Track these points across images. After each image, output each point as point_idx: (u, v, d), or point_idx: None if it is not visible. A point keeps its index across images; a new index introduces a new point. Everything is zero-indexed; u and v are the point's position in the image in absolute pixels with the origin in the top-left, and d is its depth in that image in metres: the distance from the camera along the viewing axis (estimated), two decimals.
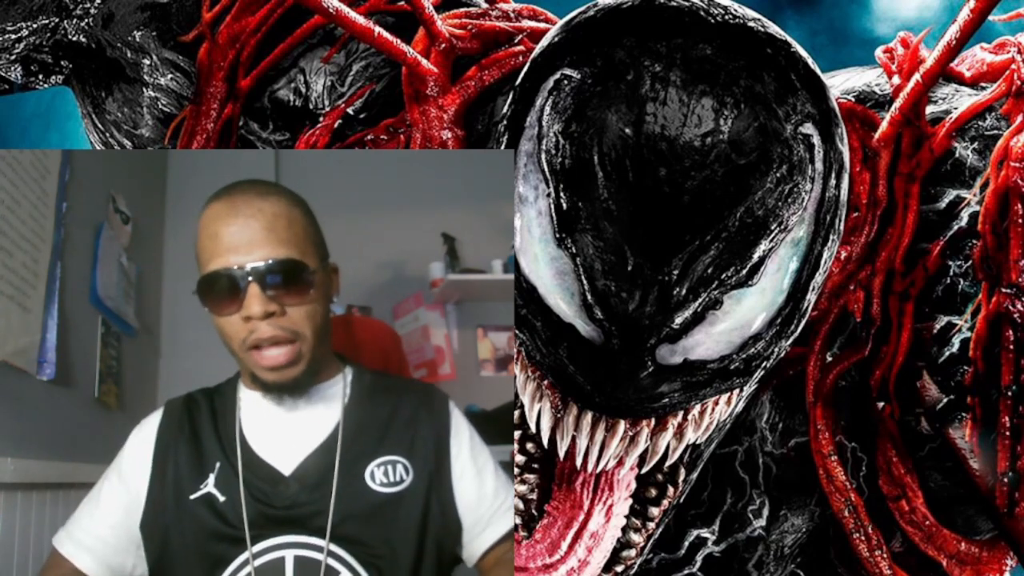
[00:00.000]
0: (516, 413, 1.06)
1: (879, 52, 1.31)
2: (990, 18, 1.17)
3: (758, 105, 0.91)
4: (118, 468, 1.26)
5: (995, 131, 1.23)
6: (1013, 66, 1.23)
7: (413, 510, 1.20)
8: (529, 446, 1.08)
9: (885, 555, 1.22)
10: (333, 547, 1.17)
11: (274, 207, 1.19)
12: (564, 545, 1.08)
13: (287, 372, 1.17)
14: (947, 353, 1.19)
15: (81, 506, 1.27)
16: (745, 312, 0.95)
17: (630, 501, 1.10)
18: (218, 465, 1.21)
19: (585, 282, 0.93)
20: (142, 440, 1.26)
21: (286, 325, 1.16)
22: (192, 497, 1.20)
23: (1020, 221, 1.15)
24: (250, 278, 1.14)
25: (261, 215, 1.17)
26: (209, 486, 1.20)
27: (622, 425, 0.99)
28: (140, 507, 1.23)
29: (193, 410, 1.27)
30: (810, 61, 0.97)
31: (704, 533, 1.27)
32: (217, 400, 1.27)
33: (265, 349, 1.16)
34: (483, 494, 1.23)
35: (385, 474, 1.20)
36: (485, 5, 1.48)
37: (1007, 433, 1.14)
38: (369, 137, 1.42)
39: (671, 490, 1.10)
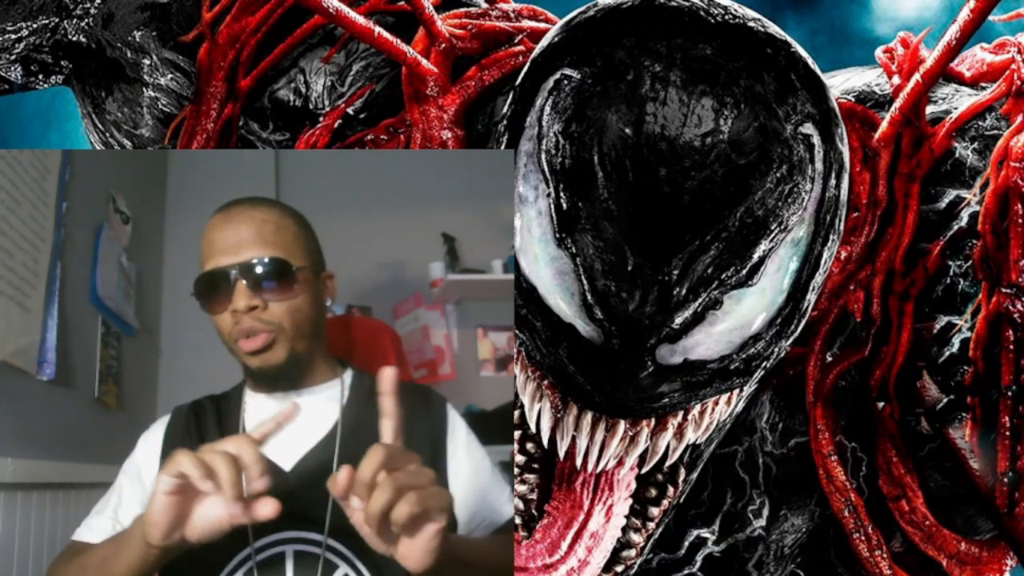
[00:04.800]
0: (516, 413, 1.06)
1: (879, 52, 1.32)
2: (990, 18, 1.17)
3: (758, 105, 0.91)
4: (133, 468, 1.30)
5: (995, 131, 1.23)
6: (1013, 66, 1.23)
7: None
8: (529, 446, 1.08)
9: (885, 555, 1.22)
10: (331, 541, 1.18)
11: (264, 215, 1.27)
12: (564, 545, 1.08)
13: (266, 357, 1.23)
14: (947, 353, 1.19)
15: (98, 504, 1.31)
16: (745, 312, 0.95)
17: (630, 501, 1.10)
18: None
19: (585, 282, 0.93)
20: (152, 443, 1.31)
21: (265, 318, 1.23)
22: None
23: (1020, 221, 1.15)
24: (237, 275, 1.22)
25: (251, 220, 1.25)
26: None
27: (622, 425, 0.99)
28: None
29: (200, 414, 1.32)
30: (810, 61, 0.97)
31: (704, 533, 1.27)
32: (223, 404, 1.32)
33: (246, 338, 1.23)
34: (479, 491, 1.25)
35: None
36: (485, 5, 1.48)
37: (1007, 433, 1.14)
38: (369, 137, 1.42)
39: (671, 490, 1.10)
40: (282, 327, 1.23)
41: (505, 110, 1.02)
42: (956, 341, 1.19)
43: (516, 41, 1.41)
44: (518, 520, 1.10)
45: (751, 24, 0.94)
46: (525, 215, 0.96)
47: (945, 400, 1.19)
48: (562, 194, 0.93)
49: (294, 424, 1.25)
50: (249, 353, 1.23)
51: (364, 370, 1.38)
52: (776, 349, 1.00)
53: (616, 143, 0.91)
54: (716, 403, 1.02)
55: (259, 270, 1.22)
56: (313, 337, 1.28)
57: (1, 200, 1.79)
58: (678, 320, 0.93)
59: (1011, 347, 1.14)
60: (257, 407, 1.30)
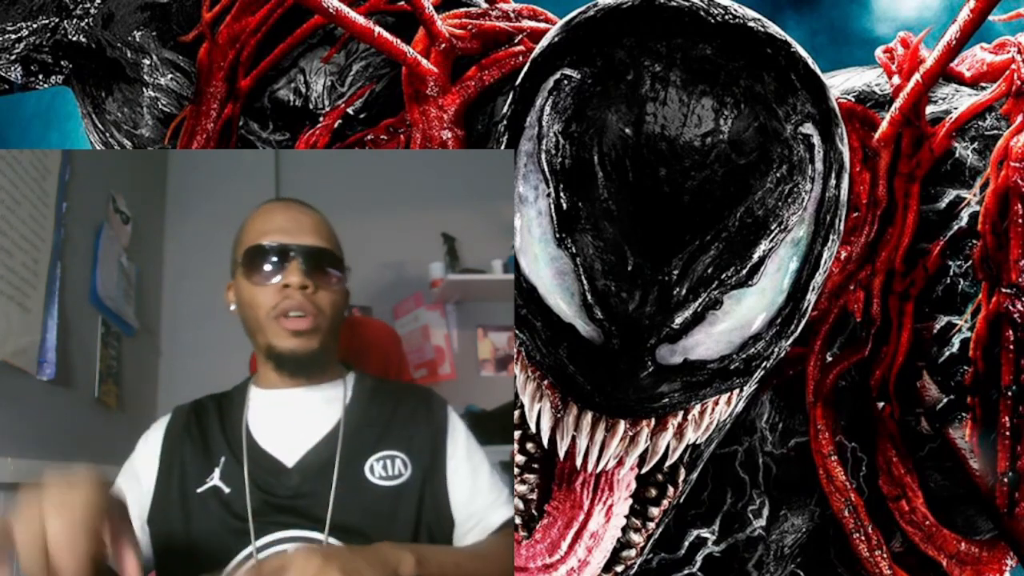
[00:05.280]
0: (516, 413, 1.06)
1: (879, 52, 1.31)
2: (990, 18, 1.17)
3: (758, 105, 0.91)
4: (131, 470, 1.31)
5: (995, 131, 1.23)
6: (1013, 66, 1.23)
7: (410, 504, 1.23)
8: (529, 446, 1.08)
9: (885, 555, 1.22)
10: (332, 540, 1.19)
11: (319, 217, 1.34)
12: (564, 545, 1.08)
13: (304, 342, 1.26)
14: (947, 353, 1.19)
15: None
16: (745, 312, 0.95)
17: (630, 501, 1.10)
18: (223, 460, 1.26)
19: (585, 282, 0.93)
20: (151, 442, 1.31)
21: (314, 300, 1.26)
22: (199, 491, 1.24)
23: (1020, 221, 1.15)
24: (296, 252, 1.27)
25: (309, 215, 1.33)
26: (215, 479, 1.24)
27: (622, 425, 0.99)
28: (149, 502, 1.26)
29: (201, 413, 1.33)
30: (810, 61, 0.97)
31: (704, 533, 1.27)
32: (225, 403, 1.33)
33: (291, 316, 1.25)
34: (476, 492, 1.26)
35: (384, 468, 1.24)
36: (485, 5, 1.48)
37: (1007, 433, 1.14)
38: (369, 137, 1.42)
39: (671, 490, 1.10)
40: (324, 314, 1.27)
41: (505, 110, 1.02)
42: (956, 341, 1.19)
43: (516, 41, 1.41)
44: (518, 520, 1.10)
45: (751, 24, 0.94)
46: (525, 215, 0.96)
47: (945, 400, 1.19)
48: (562, 194, 0.93)
49: (298, 424, 1.28)
50: (292, 332, 1.25)
51: (366, 371, 1.39)
52: (776, 349, 1.00)
53: (616, 143, 0.91)
54: (716, 403, 1.02)
55: (317, 255, 1.27)
56: (336, 335, 1.32)
57: (1, 200, 1.79)
58: (678, 320, 0.93)
59: (1011, 347, 1.14)
60: (260, 403, 1.31)
